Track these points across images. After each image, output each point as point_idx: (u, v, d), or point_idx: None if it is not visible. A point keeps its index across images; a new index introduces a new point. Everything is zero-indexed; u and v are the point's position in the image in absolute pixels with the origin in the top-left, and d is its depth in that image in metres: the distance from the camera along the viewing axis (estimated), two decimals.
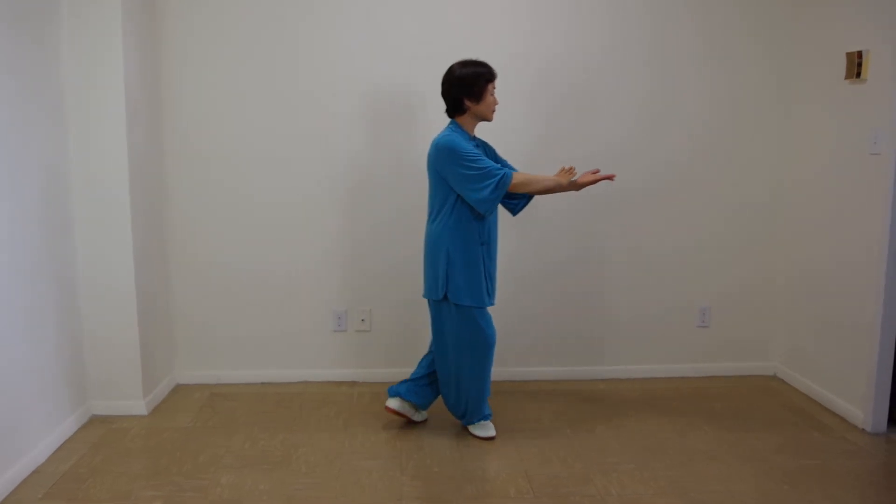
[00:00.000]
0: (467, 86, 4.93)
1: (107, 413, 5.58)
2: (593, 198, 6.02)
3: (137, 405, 5.59)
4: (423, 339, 6.19)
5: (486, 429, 5.28)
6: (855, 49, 5.40)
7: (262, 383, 6.29)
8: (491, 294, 5.16)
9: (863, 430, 5.39)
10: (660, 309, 6.42)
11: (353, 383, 6.31)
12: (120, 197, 5.35)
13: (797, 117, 6.15)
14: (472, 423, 5.31)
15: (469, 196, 4.89)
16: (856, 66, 5.38)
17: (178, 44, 5.90)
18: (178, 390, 6.14)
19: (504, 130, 5.75)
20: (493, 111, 5.07)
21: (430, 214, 5.16)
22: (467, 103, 4.98)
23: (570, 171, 5.07)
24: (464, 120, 5.06)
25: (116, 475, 4.69)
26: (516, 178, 4.92)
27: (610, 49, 6.04)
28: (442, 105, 5.15)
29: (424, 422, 5.51)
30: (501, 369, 6.22)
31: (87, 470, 4.75)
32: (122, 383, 5.56)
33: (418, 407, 5.44)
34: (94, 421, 5.50)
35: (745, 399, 5.99)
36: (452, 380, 5.23)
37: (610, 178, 5.03)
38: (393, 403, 5.38)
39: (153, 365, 5.81)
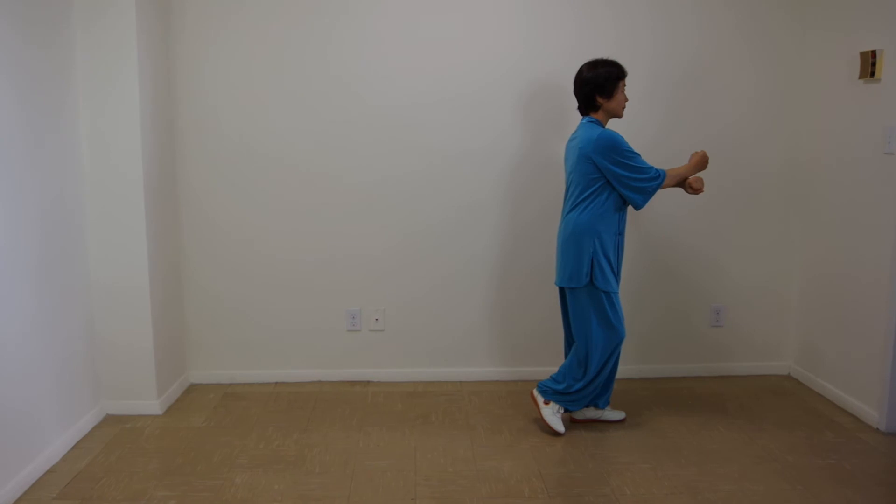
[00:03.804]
0: (600, 84, 5.08)
1: (121, 412, 5.60)
2: None
3: (151, 405, 5.61)
4: (436, 338, 6.24)
5: (558, 421, 5.32)
6: (869, 49, 5.39)
7: (276, 383, 6.29)
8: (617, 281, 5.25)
9: (877, 429, 5.37)
10: (674, 308, 6.41)
11: (367, 383, 6.32)
12: (134, 197, 5.36)
13: (811, 117, 6.12)
14: (557, 401, 5.34)
15: (627, 190, 5.04)
16: (870, 65, 5.36)
17: (195, 32, 5.91)
18: (192, 390, 6.16)
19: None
20: (624, 108, 5.21)
21: (570, 204, 5.20)
22: (599, 100, 5.12)
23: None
24: (598, 116, 5.18)
25: (130, 475, 4.70)
26: (668, 175, 5.13)
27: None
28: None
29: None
30: (516, 369, 6.23)
31: (101, 469, 4.76)
32: (136, 383, 5.58)
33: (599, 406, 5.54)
34: (109, 420, 5.51)
35: (759, 399, 5.98)
36: (581, 362, 5.25)
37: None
38: (579, 415, 5.55)
39: (167, 364, 5.82)
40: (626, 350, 6.23)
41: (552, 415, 5.33)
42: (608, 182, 5.03)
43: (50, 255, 4.86)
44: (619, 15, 6.02)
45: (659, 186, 5.07)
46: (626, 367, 6.33)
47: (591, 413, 5.49)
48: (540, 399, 5.40)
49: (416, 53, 6.00)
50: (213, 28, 5.88)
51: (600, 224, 5.06)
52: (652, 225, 6.26)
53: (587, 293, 5.13)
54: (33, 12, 4.66)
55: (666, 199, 6.12)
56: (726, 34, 6.08)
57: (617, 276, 5.22)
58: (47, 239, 4.83)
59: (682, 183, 5.21)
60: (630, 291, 6.29)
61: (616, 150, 4.96)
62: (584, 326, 5.19)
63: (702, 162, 5.20)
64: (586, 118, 5.20)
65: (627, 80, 5.27)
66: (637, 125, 5.99)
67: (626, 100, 5.19)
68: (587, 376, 5.23)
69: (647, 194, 5.06)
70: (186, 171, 6.04)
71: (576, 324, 5.27)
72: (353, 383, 6.30)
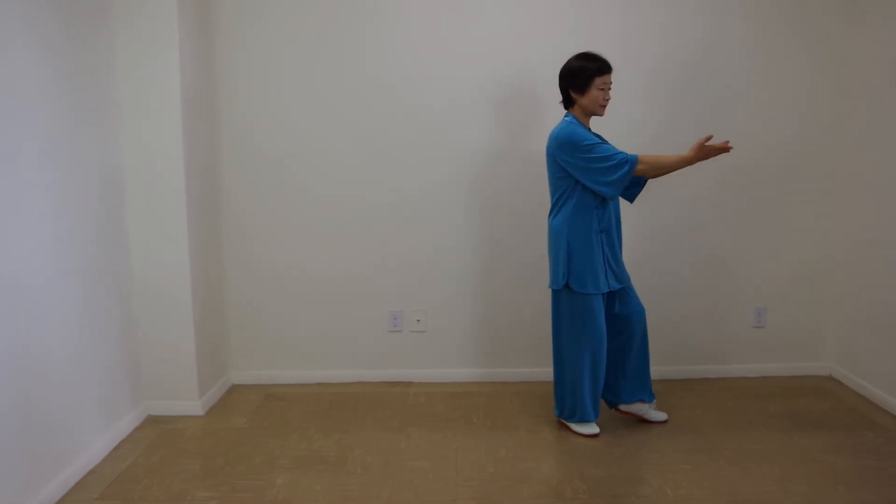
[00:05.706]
0: (572, 77, 5.03)
1: (162, 413, 5.65)
2: (645, 197, 5.95)
3: (193, 405, 5.65)
4: (477, 339, 6.24)
5: (588, 426, 5.31)
6: None
7: (318, 383, 6.33)
8: (611, 279, 5.16)
9: None
10: (715, 309, 6.39)
11: (409, 384, 6.34)
12: (175, 197, 5.40)
13: (854, 120, 6.07)
14: (574, 420, 5.34)
15: (593, 183, 4.95)
16: None
17: (234, 36, 5.98)
18: (234, 390, 6.20)
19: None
20: (602, 106, 5.08)
21: (550, 207, 5.23)
22: (573, 95, 5.07)
23: (708, 139, 4.92)
24: (575, 112, 5.13)
25: (172, 475, 4.74)
26: (642, 160, 4.92)
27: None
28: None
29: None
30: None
31: (143, 470, 4.80)
32: (177, 384, 5.62)
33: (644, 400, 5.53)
34: (150, 421, 5.56)
35: (801, 400, 5.94)
36: (567, 375, 5.26)
37: (726, 148, 4.88)
38: (625, 407, 5.54)
39: (208, 365, 5.87)
40: (667, 351, 6.26)
41: (578, 426, 5.33)
42: (576, 181, 5.00)
43: (92, 255, 4.90)
44: (669, 13, 6.03)
45: (629, 173, 4.89)
46: (668, 369, 6.34)
47: (637, 408, 5.46)
48: (563, 421, 5.45)
49: (457, 58, 6.03)
50: (249, 30, 5.96)
51: (575, 224, 5.03)
52: (694, 226, 6.26)
53: (565, 296, 5.15)
54: (74, 8, 4.70)
55: (707, 200, 6.15)
56: (770, 35, 6.06)
57: (614, 273, 5.18)
58: (89, 239, 4.87)
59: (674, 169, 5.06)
60: (672, 293, 6.32)
61: (574, 143, 4.92)
62: (559, 330, 5.24)
63: (699, 153, 4.86)
64: (565, 114, 5.19)
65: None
66: (671, 125, 6.06)
67: (607, 98, 5.06)
68: (564, 382, 5.29)
69: (615, 184, 4.91)
70: (228, 170, 6.10)
71: (554, 326, 5.30)
72: (393, 384, 6.33)
